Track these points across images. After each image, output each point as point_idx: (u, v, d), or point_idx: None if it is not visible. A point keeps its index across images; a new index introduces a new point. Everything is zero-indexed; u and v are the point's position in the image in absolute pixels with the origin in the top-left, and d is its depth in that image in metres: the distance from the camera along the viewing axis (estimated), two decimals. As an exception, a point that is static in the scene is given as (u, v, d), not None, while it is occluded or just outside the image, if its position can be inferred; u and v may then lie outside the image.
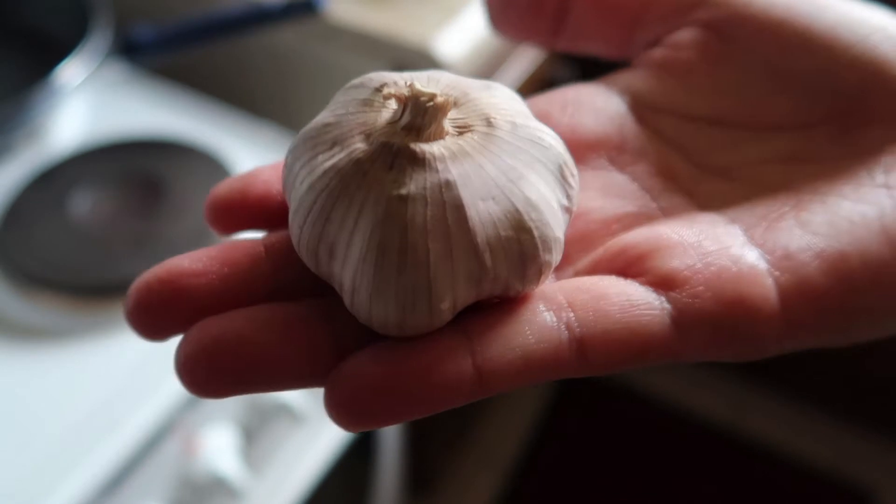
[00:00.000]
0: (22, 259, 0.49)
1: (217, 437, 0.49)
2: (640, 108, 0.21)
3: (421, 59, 0.60)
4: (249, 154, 0.58)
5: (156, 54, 0.57)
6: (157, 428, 0.44)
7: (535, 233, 0.15)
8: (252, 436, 0.54)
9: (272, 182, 0.18)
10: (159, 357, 0.45)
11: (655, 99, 0.21)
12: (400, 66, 0.63)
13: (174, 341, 0.16)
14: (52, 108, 0.56)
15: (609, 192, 0.20)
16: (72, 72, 0.53)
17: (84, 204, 0.53)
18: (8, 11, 0.63)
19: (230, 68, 0.74)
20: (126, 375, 0.45)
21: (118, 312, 0.47)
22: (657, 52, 0.21)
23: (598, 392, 1.25)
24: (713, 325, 0.16)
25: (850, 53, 0.19)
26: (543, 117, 0.20)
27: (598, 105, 0.21)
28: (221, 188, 0.18)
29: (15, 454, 0.41)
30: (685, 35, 0.20)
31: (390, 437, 0.73)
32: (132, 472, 0.44)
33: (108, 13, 0.59)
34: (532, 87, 0.77)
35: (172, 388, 0.45)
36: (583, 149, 0.20)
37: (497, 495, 1.13)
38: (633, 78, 0.21)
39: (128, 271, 0.48)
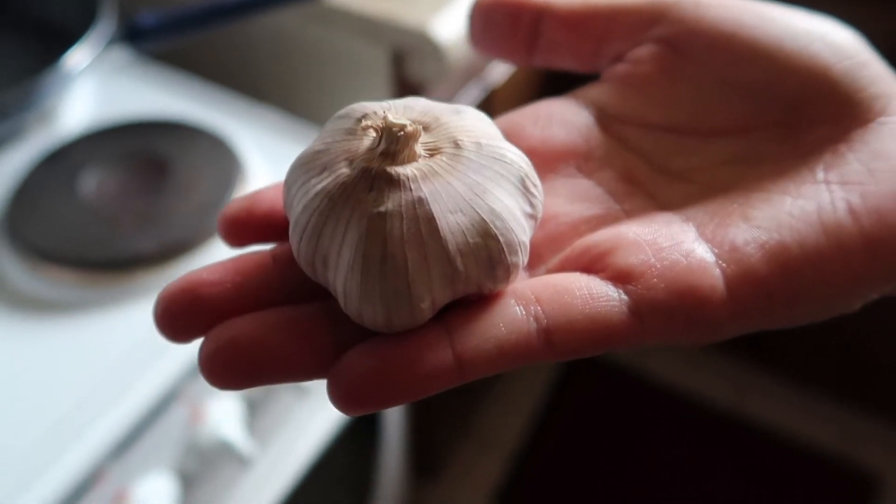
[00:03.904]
0: (33, 235, 0.50)
1: (223, 404, 0.50)
2: (605, 119, 0.23)
3: (420, 42, 0.62)
4: (250, 134, 0.60)
5: (159, 40, 0.59)
6: (164, 395, 0.46)
7: (501, 238, 0.17)
8: (257, 407, 0.55)
9: (275, 200, 0.20)
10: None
11: (618, 110, 0.23)
12: (399, 50, 0.64)
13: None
14: (60, 92, 0.58)
15: (577, 198, 0.21)
16: (79, 58, 0.55)
17: (91, 182, 0.54)
18: (18, 2, 0.65)
19: (232, 52, 0.75)
20: (133, 345, 0.46)
21: (125, 286, 0.49)
22: (620, 67, 0.23)
23: (601, 376, 1.26)
24: (667, 313, 0.17)
25: (792, 62, 0.20)
26: (517, 130, 0.22)
27: (567, 118, 0.23)
28: (231, 207, 0.20)
29: (26, 422, 0.43)
30: (644, 51, 0.22)
31: (395, 421, 0.74)
32: (140, 437, 0.45)
33: (113, 1, 0.61)
34: (523, 71, 0.78)
35: (178, 357, 0.46)
36: (553, 158, 0.22)
37: (501, 478, 1.14)
38: (598, 92, 0.23)
39: (133, 247, 0.50)
